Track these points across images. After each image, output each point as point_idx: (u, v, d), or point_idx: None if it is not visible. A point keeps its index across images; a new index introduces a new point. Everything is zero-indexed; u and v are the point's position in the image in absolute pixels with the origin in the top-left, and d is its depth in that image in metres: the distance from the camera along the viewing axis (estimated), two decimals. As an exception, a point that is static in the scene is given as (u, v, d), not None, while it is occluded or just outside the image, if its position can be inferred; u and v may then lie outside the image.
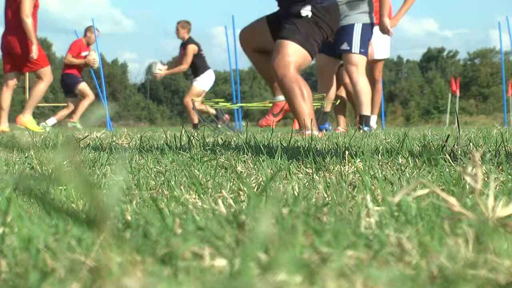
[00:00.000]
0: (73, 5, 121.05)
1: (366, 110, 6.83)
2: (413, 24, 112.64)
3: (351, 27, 6.75)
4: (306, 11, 5.01)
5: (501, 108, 18.53)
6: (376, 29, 7.65)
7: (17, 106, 58.30)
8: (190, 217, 0.93)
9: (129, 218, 0.96)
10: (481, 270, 0.66)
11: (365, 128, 6.66)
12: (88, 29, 12.64)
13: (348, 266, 0.66)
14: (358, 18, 6.76)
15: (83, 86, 12.21)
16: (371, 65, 8.13)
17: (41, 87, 8.59)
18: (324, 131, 6.27)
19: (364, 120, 6.86)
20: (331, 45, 6.72)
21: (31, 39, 8.18)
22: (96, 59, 12.44)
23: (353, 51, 6.72)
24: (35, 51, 8.19)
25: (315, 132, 4.55)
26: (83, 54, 12.29)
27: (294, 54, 4.92)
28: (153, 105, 69.96)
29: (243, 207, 1.07)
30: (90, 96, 12.18)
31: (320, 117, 6.55)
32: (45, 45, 67.40)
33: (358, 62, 6.76)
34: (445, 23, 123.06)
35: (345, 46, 6.76)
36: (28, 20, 8.13)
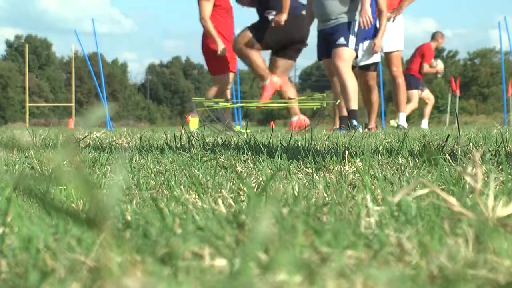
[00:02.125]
0: (73, 5, 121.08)
1: (353, 105, 6.81)
2: (412, 23, 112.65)
3: (347, 24, 6.79)
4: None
5: (501, 108, 18.52)
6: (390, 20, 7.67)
7: (17, 106, 58.31)
8: (190, 217, 0.93)
9: (129, 218, 0.96)
10: (481, 270, 0.66)
11: (354, 122, 6.63)
12: (438, 34, 12.12)
13: (348, 266, 0.66)
14: (354, 17, 6.77)
15: (427, 93, 11.90)
16: (386, 59, 8.05)
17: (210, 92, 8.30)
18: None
19: (352, 115, 6.82)
20: (329, 48, 6.77)
21: (214, 39, 8.04)
22: (443, 66, 12.07)
23: (349, 46, 6.74)
24: (220, 50, 8.04)
25: None
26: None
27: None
28: (153, 105, 69.96)
29: (243, 207, 1.07)
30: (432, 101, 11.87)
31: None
32: (45, 45, 67.43)
33: (349, 58, 6.79)
34: (444, 23, 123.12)
35: (342, 41, 6.76)
36: (205, 22, 8.04)
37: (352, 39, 6.79)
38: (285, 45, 7.21)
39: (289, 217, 0.86)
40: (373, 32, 7.54)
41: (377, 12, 7.47)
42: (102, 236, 0.59)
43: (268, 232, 0.61)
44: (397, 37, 8.01)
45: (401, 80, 8.06)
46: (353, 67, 7.73)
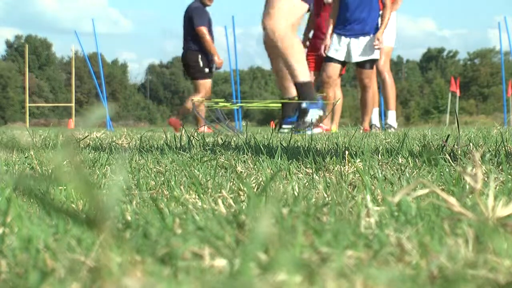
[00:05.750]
0: (71, 5, 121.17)
1: (302, 76, 5.74)
2: (411, 23, 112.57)
3: None
4: None
5: (501, 108, 18.52)
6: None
7: (17, 106, 58.28)
8: (190, 217, 0.93)
9: (129, 218, 0.96)
10: (481, 270, 0.66)
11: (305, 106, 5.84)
12: None
13: (348, 266, 0.66)
14: None
15: None
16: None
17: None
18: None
19: (302, 89, 5.78)
20: None
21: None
22: None
23: None
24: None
25: None
26: None
27: None
28: (153, 105, 69.99)
29: (243, 207, 1.07)
30: None
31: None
32: (45, 45, 67.40)
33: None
34: (443, 23, 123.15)
35: None
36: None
37: None
38: None
39: (289, 217, 0.86)
40: (373, 28, 7.40)
41: (381, 7, 7.38)
42: (102, 236, 0.59)
43: (268, 232, 0.61)
44: (389, 33, 7.87)
45: (387, 75, 7.92)
46: (345, 63, 7.49)
